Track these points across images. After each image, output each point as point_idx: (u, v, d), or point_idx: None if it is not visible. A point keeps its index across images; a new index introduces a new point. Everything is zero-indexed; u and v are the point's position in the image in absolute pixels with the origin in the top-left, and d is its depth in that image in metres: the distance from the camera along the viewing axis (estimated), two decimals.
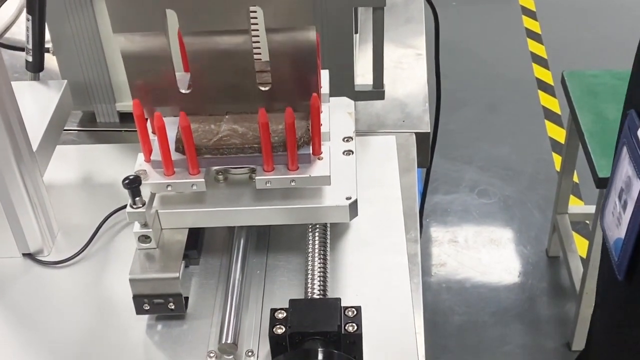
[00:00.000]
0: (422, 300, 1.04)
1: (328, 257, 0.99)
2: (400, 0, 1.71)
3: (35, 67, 1.25)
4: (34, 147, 1.05)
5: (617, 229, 0.97)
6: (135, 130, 0.94)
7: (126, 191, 0.93)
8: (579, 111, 2.12)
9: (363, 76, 1.39)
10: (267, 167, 0.95)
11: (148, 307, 0.94)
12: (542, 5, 4.01)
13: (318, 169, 0.96)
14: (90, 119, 1.38)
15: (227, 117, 0.99)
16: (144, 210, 0.94)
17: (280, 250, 1.05)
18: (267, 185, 0.96)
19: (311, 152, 0.97)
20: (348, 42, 1.27)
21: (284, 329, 0.84)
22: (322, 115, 0.98)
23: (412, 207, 1.16)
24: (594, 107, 2.12)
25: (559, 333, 2.38)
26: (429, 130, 1.35)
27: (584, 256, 2.40)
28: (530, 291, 2.53)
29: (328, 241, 1.01)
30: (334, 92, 1.09)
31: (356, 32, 1.39)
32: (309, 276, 0.96)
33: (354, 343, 0.84)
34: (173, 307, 0.94)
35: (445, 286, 2.56)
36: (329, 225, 1.03)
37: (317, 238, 1.00)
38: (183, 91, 0.98)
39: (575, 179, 2.75)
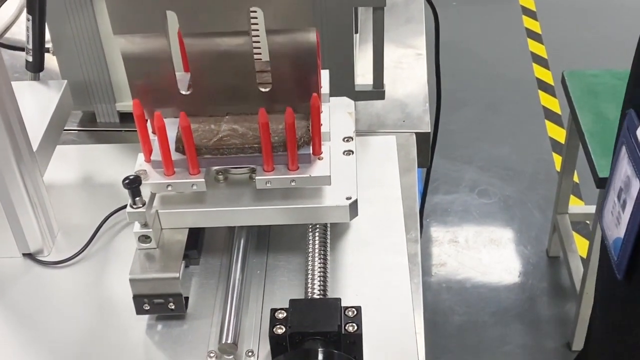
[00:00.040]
0: (422, 300, 1.04)
1: (328, 257, 0.99)
2: (400, 0, 1.71)
3: (36, 67, 1.25)
4: (34, 147, 1.05)
5: (617, 229, 0.97)
6: (136, 130, 0.94)
7: (126, 191, 0.93)
8: (579, 111, 2.12)
9: (363, 76, 1.39)
10: (267, 167, 0.95)
11: (148, 307, 0.94)
12: (542, 5, 4.01)
13: (318, 169, 0.96)
14: (91, 119, 1.38)
15: (227, 117, 0.99)
16: (144, 210, 0.94)
17: (280, 250, 1.05)
18: (267, 185, 0.96)
19: (311, 152, 0.97)
20: (348, 42, 1.27)
21: (284, 329, 0.84)
22: (322, 115, 0.98)
23: (412, 207, 1.16)
24: (594, 107, 2.12)
25: (559, 333, 2.38)
26: (429, 130, 1.35)
27: (584, 256, 2.40)
28: (530, 291, 2.53)
29: (328, 241, 1.01)
30: (334, 92, 1.09)
31: (356, 32, 1.39)
32: (309, 276, 0.96)
33: (354, 343, 0.84)
34: (173, 307, 0.94)
35: (446, 286, 2.56)
36: (329, 225, 1.03)
37: (317, 238, 1.00)
38: (183, 92, 0.98)
39: (576, 179, 2.75)
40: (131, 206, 0.94)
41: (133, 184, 0.92)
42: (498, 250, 2.69)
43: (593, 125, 2.06)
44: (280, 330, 0.84)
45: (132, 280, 0.92)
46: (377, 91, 1.33)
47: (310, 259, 0.98)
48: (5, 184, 1.00)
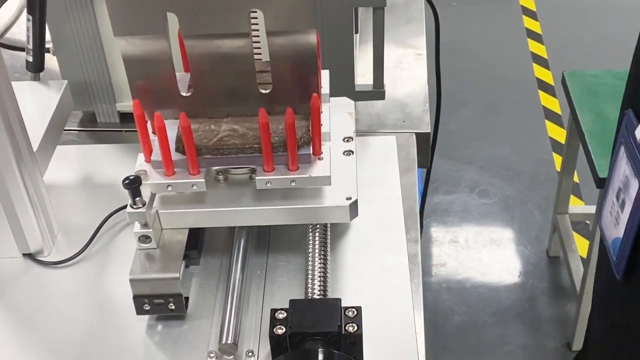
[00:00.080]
0: (423, 300, 1.04)
1: (328, 257, 0.99)
2: (400, 1, 1.71)
3: (36, 67, 1.25)
4: (34, 147, 1.05)
5: (615, 229, 0.97)
6: (136, 131, 0.94)
7: (126, 191, 0.93)
8: (580, 111, 2.12)
9: (363, 76, 1.39)
10: (268, 167, 0.95)
11: (148, 307, 0.94)
12: (542, 6, 4.01)
13: (318, 169, 0.96)
14: (91, 119, 1.38)
15: (227, 117, 0.99)
16: (144, 210, 0.94)
17: (280, 251, 1.05)
18: (268, 185, 0.96)
19: (311, 152, 0.97)
20: (348, 42, 1.27)
21: (284, 329, 0.84)
22: (322, 116, 0.98)
23: (412, 207, 1.16)
24: (595, 107, 2.12)
25: (559, 333, 2.38)
26: (429, 131, 1.35)
27: (585, 256, 2.40)
28: (530, 291, 2.53)
29: (328, 241, 1.01)
30: (334, 92, 1.09)
31: (356, 32, 1.39)
32: (309, 276, 0.96)
33: (354, 343, 0.84)
34: (173, 307, 0.94)
35: (446, 286, 2.56)
36: (329, 225, 1.03)
37: (317, 238, 1.00)
38: (184, 94, 0.98)
39: (576, 179, 2.75)
40: (131, 206, 0.94)
41: (133, 184, 0.92)
42: (498, 250, 2.69)
43: (593, 125, 2.06)
44: (280, 330, 0.84)
45: (132, 281, 0.92)
46: (377, 91, 1.33)
47: (310, 259, 0.98)
48: (5, 184, 1.00)
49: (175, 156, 0.95)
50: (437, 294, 2.53)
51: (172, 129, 0.96)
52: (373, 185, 1.13)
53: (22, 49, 1.31)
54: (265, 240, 1.07)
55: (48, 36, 1.26)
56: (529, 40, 3.77)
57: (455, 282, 2.57)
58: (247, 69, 0.96)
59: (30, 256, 1.07)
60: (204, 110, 0.99)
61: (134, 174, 0.94)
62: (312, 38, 0.93)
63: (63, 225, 1.11)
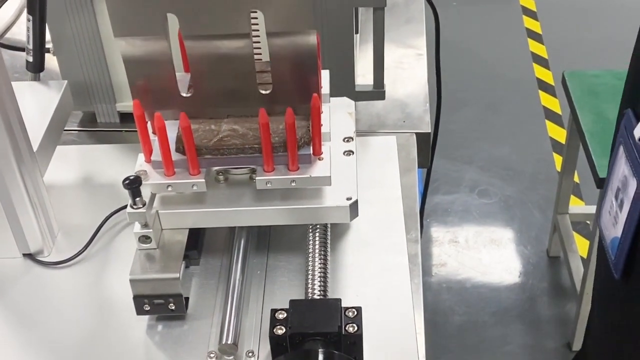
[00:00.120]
0: (423, 300, 1.04)
1: (328, 258, 0.99)
2: (400, 1, 1.71)
3: (36, 68, 1.25)
4: (35, 148, 1.05)
5: (614, 228, 0.97)
6: (136, 131, 0.94)
7: (126, 191, 0.93)
8: (580, 111, 2.12)
9: (363, 76, 1.39)
10: (268, 167, 0.95)
11: (148, 308, 0.94)
12: (542, 5, 4.01)
13: (318, 169, 0.96)
14: (91, 119, 1.38)
15: (227, 117, 0.99)
16: (145, 210, 0.94)
17: (280, 251, 1.05)
18: (268, 185, 0.96)
19: (311, 152, 0.97)
20: (348, 42, 1.27)
21: (284, 330, 0.84)
22: (322, 116, 0.98)
23: (412, 208, 1.16)
24: (595, 107, 2.12)
25: (559, 333, 2.38)
26: (429, 131, 1.35)
27: (585, 256, 2.40)
28: (530, 291, 2.53)
29: (328, 241, 1.01)
30: (335, 92, 1.09)
31: (357, 32, 1.39)
32: (310, 276, 0.96)
33: (355, 344, 0.84)
34: (173, 307, 0.94)
35: (446, 286, 2.56)
36: (329, 225, 1.03)
37: (317, 238, 1.00)
38: (184, 95, 0.98)
39: (576, 179, 2.75)
40: (131, 206, 0.94)
41: (133, 185, 0.92)
42: (498, 250, 2.69)
43: (593, 125, 2.06)
44: (280, 330, 0.84)
45: (132, 281, 0.92)
46: (377, 91, 1.33)
47: (310, 259, 0.98)
48: (5, 184, 1.00)
49: (175, 156, 0.95)
50: (437, 294, 2.53)
51: (172, 129, 0.96)
52: (373, 185, 1.13)
53: (22, 49, 1.31)
54: (265, 241, 1.07)
55: (48, 36, 1.26)
56: (529, 40, 3.77)
57: (456, 282, 2.57)
58: (247, 69, 0.95)
59: (30, 256, 1.06)
60: (204, 111, 0.99)
61: (134, 174, 0.94)
62: (312, 39, 0.93)
63: (63, 226, 1.11)
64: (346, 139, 1.05)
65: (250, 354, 0.92)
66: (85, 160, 1.26)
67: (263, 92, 0.97)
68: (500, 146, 3.12)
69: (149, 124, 0.96)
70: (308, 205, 0.97)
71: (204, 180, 0.95)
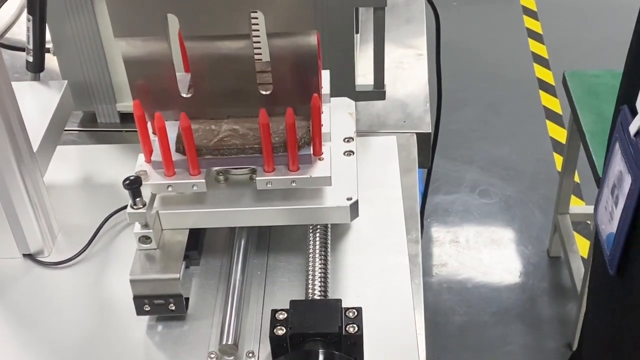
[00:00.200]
0: (423, 300, 1.03)
1: (329, 258, 0.99)
2: (401, 1, 1.71)
3: (36, 68, 1.25)
4: (35, 148, 1.05)
5: (610, 224, 0.97)
6: (136, 131, 0.94)
7: (127, 192, 0.93)
8: (580, 111, 2.12)
9: (364, 76, 1.39)
10: (268, 167, 0.95)
11: (148, 308, 0.94)
12: (543, 5, 4.01)
13: (319, 169, 0.96)
14: (91, 119, 1.38)
15: (227, 118, 0.99)
16: (145, 210, 0.93)
17: (280, 251, 1.05)
18: (268, 185, 0.95)
19: (312, 152, 0.97)
20: (349, 42, 1.27)
21: (284, 330, 0.84)
22: (322, 116, 0.97)
23: (413, 208, 1.16)
24: (595, 107, 2.12)
25: (560, 333, 2.38)
26: (429, 131, 1.35)
27: (585, 256, 2.40)
28: (531, 291, 2.53)
29: (329, 242, 1.01)
30: (335, 92, 1.09)
31: (357, 32, 1.39)
32: (310, 277, 0.96)
33: (355, 344, 0.84)
34: (173, 307, 0.94)
35: (446, 286, 2.56)
36: (329, 226, 1.03)
37: (317, 239, 1.00)
38: (184, 95, 0.98)
39: (577, 179, 2.75)
40: (132, 207, 0.94)
41: (133, 185, 0.92)
42: (499, 250, 2.69)
43: (594, 125, 2.06)
44: (280, 331, 0.84)
45: (132, 281, 0.92)
46: (377, 91, 1.33)
47: (310, 259, 0.98)
48: (5, 185, 1.00)
49: (175, 156, 0.95)
50: (437, 294, 2.53)
51: (172, 129, 0.96)
52: (373, 185, 1.13)
53: (22, 49, 1.31)
54: (265, 241, 1.07)
55: (48, 36, 1.26)
56: (530, 40, 3.77)
57: (456, 282, 2.57)
58: (248, 70, 0.95)
59: (30, 256, 1.06)
60: (204, 112, 0.99)
61: (134, 174, 0.94)
62: (312, 39, 0.93)
63: (63, 226, 1.11)
64: (346, 139, 1.05)
65: (250, 355, 0.92)
66: (85, 160, 1.26)
67: (263, 92, 0.97)
68: (500, 146, 3.12)
69: (149, 124, 0.96)
70: (308, 205, 0.97)
71: (204, 180, 0.95)
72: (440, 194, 2.89)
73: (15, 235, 1.04)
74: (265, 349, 0.90)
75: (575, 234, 2.52)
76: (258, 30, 0.97)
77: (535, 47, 3.72)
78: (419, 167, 1.29)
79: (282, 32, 0.92)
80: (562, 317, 2.43)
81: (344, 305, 0.86)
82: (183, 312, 0.95)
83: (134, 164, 0.97)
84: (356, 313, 0.86)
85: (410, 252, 1.06)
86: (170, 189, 0.95)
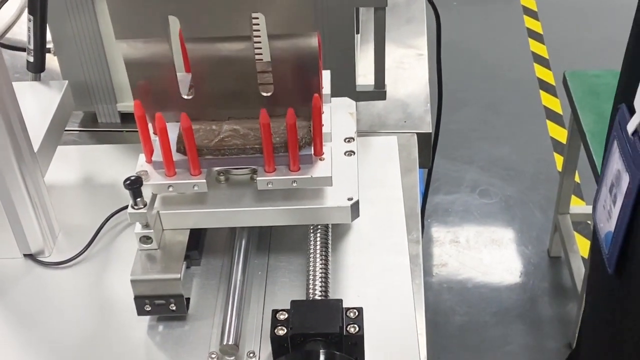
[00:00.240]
0: (424, 300, 1.04)
1: (329, 258, 0.99)
2: (401, 1, 1.71)
3: (37, 68, 1.25)
4: (35, 148, 1.05)
5: (608, 223, 0.97)
6: (137, 131, 0.94)
7: (127, 192, 0.93)
8: (581, 111, 2.12)
9: (364, 76, 1.39)
10: (269, 167, 0.95)
11: (149, 308, 0.94)
12: (543, 5, 4.01)
13: (319, 169, 0.96)
14: (92, 120, 1.38)
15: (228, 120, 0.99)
16: (146, 211, 0.93)
17: (281, 251, 1.05)
18: (269, 186, 0.95)
19: (313, 152, 0.97)
20: (349, 42, 1.27)
21: (285, 330, 0.84)
22: (323, 116, 0.97)
23: (413, 208, 1.16)
24: (596, 107, 2.12)
25: (560, 333, 2.38)
26: (430, 131, 1.35)
27: (586, 256, 2.39)
28: (531, 291, 2.53)
29: (329, 242, 1.01)
30: (336, 92, 1.09)
31: (357, 33, 1.38)
32: (311, 277, 0.96)
33: (356, 344, 0.84)
34: (174, 308, 0.94)
35: (447, 286, 2.56)
36: (330, 226, 1.03)
37: (318, 239, 1.00)
38: (185, 97, 0.98)
39: (577, 179, 2.75)
40: (132, 207, 0.94)
41: (134, 185, 0.92)
42: (499, 250, 2.69)
43: (594, 125, 2.06)
44: (281, 331, 0.84)
45: (133, 281, 0.92)
46: (378, 91, 1.33)
47: (311, 259, 0.98)
48: (6, 185, 1.00)
49: (176, 157, 0.95)
50: (438, 294, 2.53)
51: (173, 129, 0.96)
52: (374, 185, 1.13)
53: (23, 49, 1.31)
54: (266, 241, 1.07)
55: (49, 36, 1.26)
56: (530, 40, 3.77)
57: (456, 282, 2.57)
58: (249, 72, 0.95)
59: (31, 257, 1.06)
60: (205, 113, 0.98)
61: (135, 174, 0.94)
62: (313, 41, 0.93)
63: (64, 226, 1.11)
64: (347, 139, 1.05)
65: (251, 355, 0.92)
66: (86, 160, 1.26)
67: (264, 94, 0.97)
68: (501, 146, 3.12)
69: (149, 124, 0.96)
70: (309, 205, 0.97)
71: (205, 180, 0.95)
72: (440, 194, 2.89)
73: (16, 235, 1.04)
74: (266, 349, 0.90)
75: (576, 234, 2.52)
76: (259, 31, 0.97)
77: (535, 47, 3.72)
78: (420, 167, 1.29)
79: (282, 33, 0.92)
80: (563, 317, 2.43)
81: (344, 305, 0.86)
82: (184, 312, 0.95)
83: (134, 164, 0.97)
84: (357, 313, 0.86)
85: (411, 252, 1.06)
86: (171, 189, 0.95)
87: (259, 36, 0.98)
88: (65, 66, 1.31)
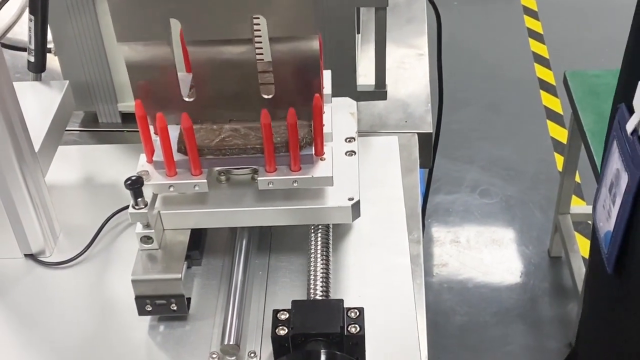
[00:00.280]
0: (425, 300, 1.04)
1: (330, 258, 0.99)
2: (402, 1, 1.71)
3: (37, 68, 1.25)
4: (36, 148, 1.05)
5: (607, 222, 0.97)
6: (137, 131, 0.94)
7: (128, 192, 0.93)
8: (581, 111, 2.12)
9: (365, 76, 1.39)
10: (270, 167, 0.95)
11: (150, 308, 0.94)
12: (544, 5, 4.01)
13: (320, 169, 0.96)
14: (92, 119, 1.38)
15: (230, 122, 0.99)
16: (146, 211, 0.93)
17: (282, 251, 1.05)
18: (270, 186, 0.95)
19: (313, 152, 0.97)
20: (350, 42, 1.27)
21: (286, 330, 0.84)
22: (324, 116, 0.97)
23: (414, 208, 1.16)
24: (596, 107, 2.11)
25: (561, 333, 2.38)
26: (431, 131, 1.35)
27: (586, 256, 2.39)
28: (532, 291, 2.53)
29: (330, 242, 1.01)
30: (336, 92, 1.09)
31: (358, 32, 1.38)
32: (312, 277, 0.96)
33: (357, 344, 0.84)
34: (175, 308, 0.94)
35: (447, 286, 2.56)
36: (331, 226, 1.02)
37: (319, 239, 1.00)
38: (186, 100, 0.98)
39: (577, 179, 2.74)
40: (133, 207, 0.94)
41: (135, 185, 0.92)
42: (500, 250, 2.69)
43: (595, 125, 2.06)
44: (282, 331, 0.84)
45: (134, 281, 0.92)
46: (379, 91, 1.33)
47: (312, 259, 0.98)
48: (7, 185, 1.00)
49: (177, 157, 0.95)
50: (438, 294, 2.53)
51: (174, 129, 0.96)
52: (375, 185, 1.13)
53: (23, 49, 1.31)
54: (267, 241, 1.07)
55: (50, 36, 1.26)
56: (531, 40, 3.77)
57: (457, 282, 2.57)
58: (250, 74, 0.95)
59: (31, 257, 1.06)
60: (206, 116, 0.98)
61: (136, 174, 0.94)
62: (314, 44, 0.93)
63: (65, 226, 1.11)
64: (348, 139, 1.05)
65: (252, 355, 0.92)
66: (86, 160, 1.26)
67: (265, 96, 0.97)
68: (501, 146, 3.12)
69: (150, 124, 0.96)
70: (310, 205, 0.97)
71: (205, 180, 0.95)
72: (441, 194, 2.89)
73: (16, 235, 1.04)
74: (267, 349, 0.90)
75: (576, 234, 2.52)
76: (259, 31, 0.96)
77: (535, 47, 3.72)
78: (420, 167, 1.29)
79: (284, 36, 0.92)
80: (563, 317, 2.43)
81: (345, 305, 0.86)
82: (185, 312, 0.95)
83: (135, 164, 0.97)
84: (358, 313, 0.86)
85: (412, 252, 1.06)
86: (171, 189, 0.95)
87: (259, 36, 0.98)
88: (66, 66, 1.31)
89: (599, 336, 1.15)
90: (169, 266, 0.93)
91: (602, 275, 1.03)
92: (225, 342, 0.90)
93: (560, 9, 3.96)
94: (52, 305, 1.01)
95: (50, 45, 1.28)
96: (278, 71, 0.95)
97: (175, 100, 0.97)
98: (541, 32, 3.82)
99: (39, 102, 1.18)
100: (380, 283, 1.01)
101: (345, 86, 1.26)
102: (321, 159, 0.97)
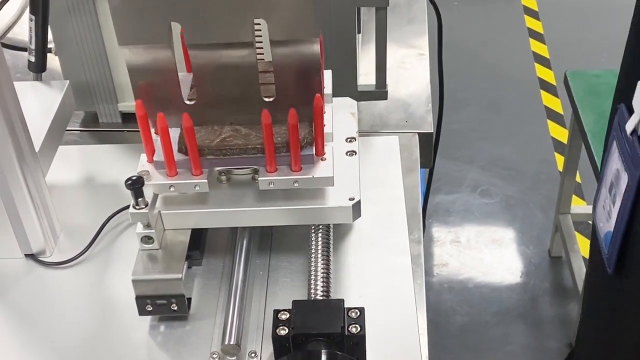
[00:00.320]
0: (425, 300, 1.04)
1: (331, 258, 0.99)
2: (402, 1, 1.71)
3: (38, 68, 1.25)
4: (37, 148, 1.05)
5: (607, 222, 0.97)
6: (138, 131, 0.94)
7: (129, 192, 0.93)
8: (582, 111, 2.12)
9: (366, 76, 1.39)
10: (270, 167, 0.95)
11: (151, 308, 0.94)
12: (544, 5, 4.01)
13: (321, 169, 0.96)
14: (93, 119, 1.38)
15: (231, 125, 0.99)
16: (147, 211, 0.93)
17: (283, 251, 1.05)
18: (270, 186, 0.95)
19: (314, 152, 0.96)
20: (351, 42, 1.27)
21: (287, 330, 0.84)
22: (325, 116, 0.97)
23: (414, 208, 1.15)
24: (597, 107, 2.11)
25: (561, 333, 2.38)
26: (431, 131, 1.35)
27: (587, 256, 2.39)
28: (532, 291, 2.53)
29: (331, 242, 1.01)
30: (337, 92, 1.09)
31: (359, 32, 1.38)
32: (312, 277, 0.96)
33: (357, 344, 0.84)
34: (176, 308, 0.94)
35: (447, 286, 2.56)
36: (332, 226, 1.02)
37: (320, 239, 1.00)
38: (188, 102, 0.98)
39: (578, 179, 2.74)
40: (134, 207, 0.94)
41: (136, 185, 0.92)
42: (500, 250, 2.68)
43: (595, 125, 2.05)
44: (283, 331, 0.84)
45: (134, 281, 0.92)
46: (379, 91, 1.33)
47: (313, 259, 0.98)
48: (7, 185, 1.00)
49: (177, 157, 0.95)
50: (438, 294, 2.52)
51: (174, 129, 0.96)
52: (376, 185, 1.13)
53: (24, 49, 1.31)
54: (267, 241, 1.07)
55: (50, 36, 1.26)
56: (531, 40, 3.77)
57: (457, 282, 2.57)
58: (251, 77, 0.95)
59: (32, 257, 1.06)
60: (207, 118, 0.98)
61: (136, 174, 0.94)
62: (315, 47, 0.93)
63: (65, 226, 1.11)
64: (349, 139, 1.05)
65: (252, 355, 0.92)
66: (87, 160, 1.26)
67: (266, 99, 0.97)
68: (501, 146, 3.12)
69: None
70: (311, 205, 0.97)
71: (206, 180, 0.95)
72: (441, 194, 2.89)
73: (17, 235, 1.04)
74: (268, 349, 0.90)
75: (577, 234, 2.52)
76: (260, 32, 0.96)
77: (536, 46, 3.72)
78: (421, 167, 1.29)
79: (285, 39, 0.92)
80: (564, 317, 2.43)
81: (346, 305, 0.86)
82: (185, 312, 0.95)
83: (136, 164, 0.97)
84: (359, 313, 0.86)
85: (412, 252, 1.06)
86: (172, 189, 0.95)
87: (260, 37, 0.98)
88: (66, 66, 1.31)
89: (599, 336, 1.15)
90: (169, 266, 0.93)
91: (602, 276, 1.03)
92: (226, 342, 0.90)
93: (561, 9, 3.96)
94: (53, 305, 1.01)
95: (50, 45, 1.28)
96: (279, 74, 0.95)
97: (176, 102, 0.97)
98: (542, 32, 3.82)
99: (39, 102, 1.18)
100: (380, 283, 1.01)
101: (346, 86, 1.26)
102: (322, 159, 0.97)
